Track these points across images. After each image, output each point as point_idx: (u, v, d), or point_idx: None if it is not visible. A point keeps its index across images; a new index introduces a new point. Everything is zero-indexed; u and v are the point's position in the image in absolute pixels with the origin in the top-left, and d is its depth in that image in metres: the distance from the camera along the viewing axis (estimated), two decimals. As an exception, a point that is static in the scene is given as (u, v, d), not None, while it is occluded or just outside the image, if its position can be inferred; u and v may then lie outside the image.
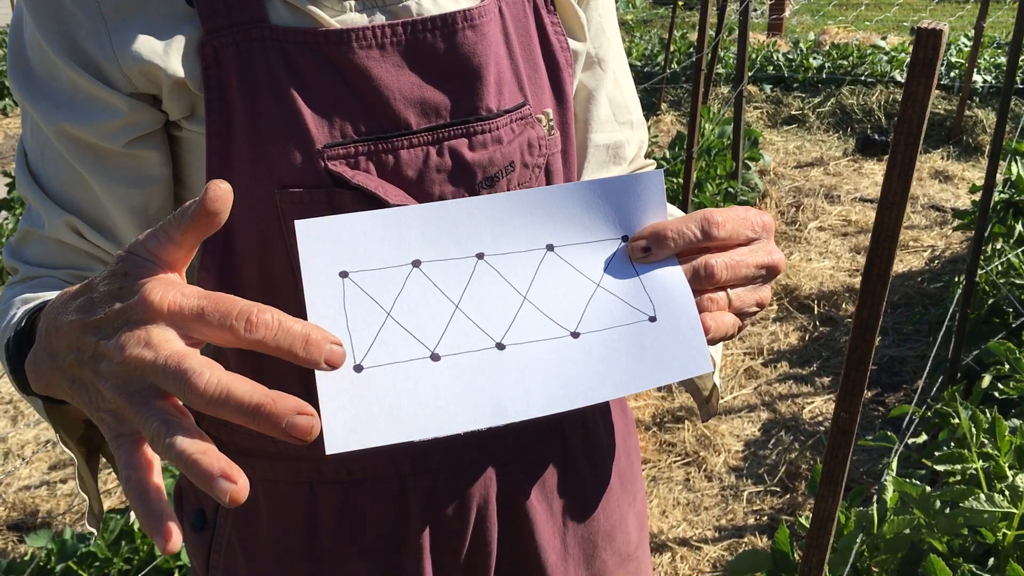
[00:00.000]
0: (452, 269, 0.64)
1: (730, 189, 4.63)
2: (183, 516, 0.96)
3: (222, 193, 0.56)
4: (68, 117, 0.75)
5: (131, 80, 0.74)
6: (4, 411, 3.41)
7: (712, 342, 0.66)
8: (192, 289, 0.55)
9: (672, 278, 0.66)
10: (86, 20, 0.72)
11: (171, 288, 0.55)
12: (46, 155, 0.80)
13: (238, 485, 0.51)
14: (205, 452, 0.52)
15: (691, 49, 7.33)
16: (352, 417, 0.58)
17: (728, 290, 0.68)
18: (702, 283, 0.66)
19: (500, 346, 0.62)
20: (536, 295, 0.64)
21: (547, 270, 0.65)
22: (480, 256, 0.64)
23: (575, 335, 0.64)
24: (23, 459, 3.15)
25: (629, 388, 0.62)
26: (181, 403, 0.55)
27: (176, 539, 0.53)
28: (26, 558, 2.35)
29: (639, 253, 0.66)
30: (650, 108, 6.81)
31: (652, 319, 0.65)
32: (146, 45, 0.73)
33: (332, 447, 0.57)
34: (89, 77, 0.74)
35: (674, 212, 0.95)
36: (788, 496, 2.91)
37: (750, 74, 6.84)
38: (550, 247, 0.66)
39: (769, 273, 0.69)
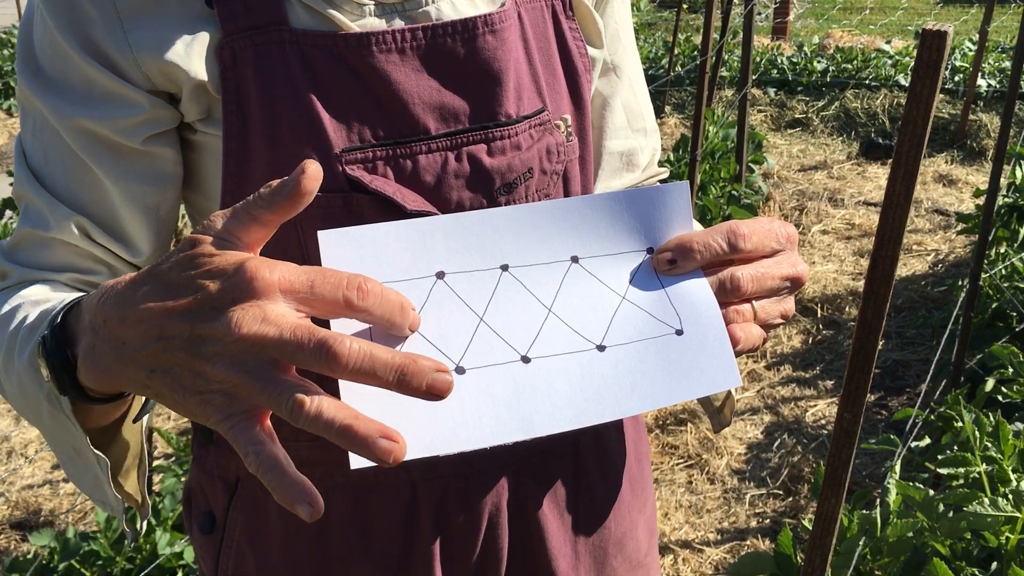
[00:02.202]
0: (476, 281, 0.63)
1: (734, 192, 4.63)
2: (192, 519, 0.95)
3: (316, 172, 0.56)
4: (84, 112, 0.74)
5: (150, 78, 0.74)
6: (7, 410, 3.42)
7: (740, 354, 0.66)
8: (291, 264, 0.55)
9: (698, 291, 0.65)
10: (100, 18, 0.72)
11: (275, 264, 0.54)
12: (51, 155, 0.77)
13: (400, 444, 0.52)
14: (357, 417, 0.52)
15: (695, 52, 7.34)
16: None
17: (753, 302, 0.68)
18: (728, 295, 0.66)
19: (526, 359, 0.61)
20: (561, 307, 0.64)
21: (572, 282, 0.65)
22: (504, 268, 0.64)
23: (601, 348, 0.63)
24: (26, 458, 3.16)
25: (657, 402, 0.62)
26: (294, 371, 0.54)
27: (322, 503, 0.53)
28: (29, 556, 2.35)
29: (665, 265, 0.66)
30: (654, 111, 6.81)
31: (679, 332, 0.64)
32: (166, 45, 0.73)
33: (357, 462, 0.57)
34: (108, 73, 0.73)
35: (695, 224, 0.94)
36: (791, 499, 2.91)
37: (754, 77, 6.84)
38: (575, 259, 0.65)
39: (793, 285, 0.69)
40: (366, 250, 0.61)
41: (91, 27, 0.73)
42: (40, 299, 0.75)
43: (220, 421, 0.54)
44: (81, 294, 0.68)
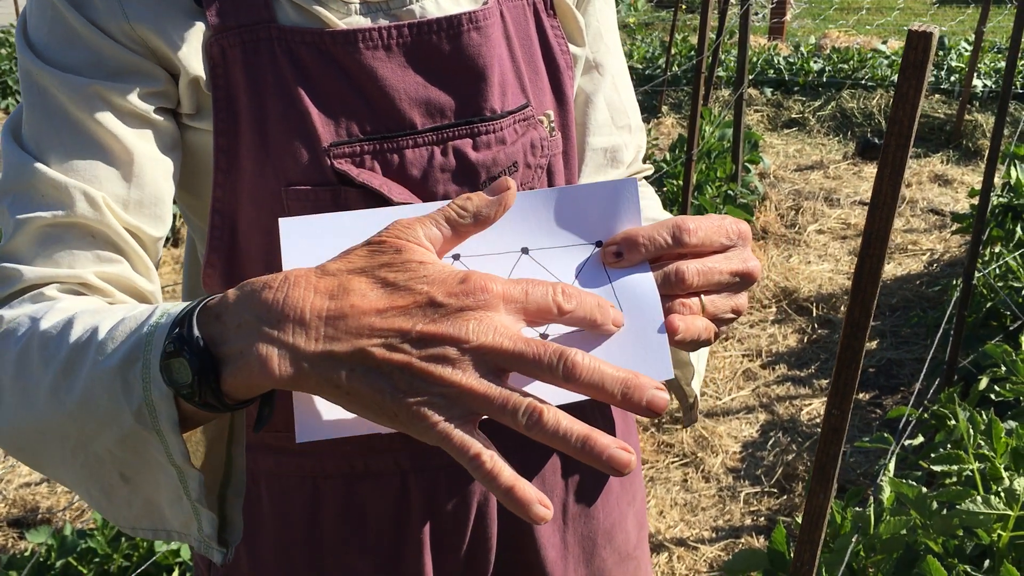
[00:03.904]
0: None
1: (730, 192, 4.64)
2: None
3: (515, 188, 0.61)
4: (98, 82, 0.73)
5: (155, 53, 0.75)
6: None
7: (682, 344, 0.67)
8: (501, 276, 0.58)
9: (642, 284, 0.66)
10: (102, 3, 0.73)
11: (495, 276, 0.57)
12: (58, 137, 0.73)
13: (632, 453, 0.53)
14: (592, 429, 0.53)
15: (692, 52, 7.35)
16: (323, 409, 0.60)
17: (702, 296, 0.68)
18: (673, 288, 0.67)
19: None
20: None
21: (521, 273, 0.66)
22: (456, 257, 0.65)
23: (544, 336, 0.64)
24: (24, 456, 3.17)
25: None
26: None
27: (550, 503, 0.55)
28: (26, 554, 2.36)
29: (611, 258, 0.67)
30: (651, 111, 6.82)
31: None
32: (163, 30, 0.74)
33: (301, 436, 0.59)
34: (118, 45, 0.74)
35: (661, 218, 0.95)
36: (785, 497, 2.92)
37: (751, 77, 6.85)
38: (525, 250, 0.67)
39: (744, 281, 0.69)
40: (325, 239, 0.62)
41: (93, 11, 0.74)
42: (97, 308, 0.68)
43: (438, 424, 0.54)
44: (203, 298, 0.62)
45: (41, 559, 2.22)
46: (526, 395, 0.54)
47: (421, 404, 0.54)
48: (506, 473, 0.54)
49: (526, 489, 0.54)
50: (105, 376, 0.62)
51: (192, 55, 0.75)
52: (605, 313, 0.61)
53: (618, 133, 1.00)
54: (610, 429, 1.01)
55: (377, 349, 0.54)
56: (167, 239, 4.80)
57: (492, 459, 0.54)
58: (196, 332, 0.58)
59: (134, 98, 0.75)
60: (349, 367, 0.55)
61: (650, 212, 0.99)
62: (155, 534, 0.71)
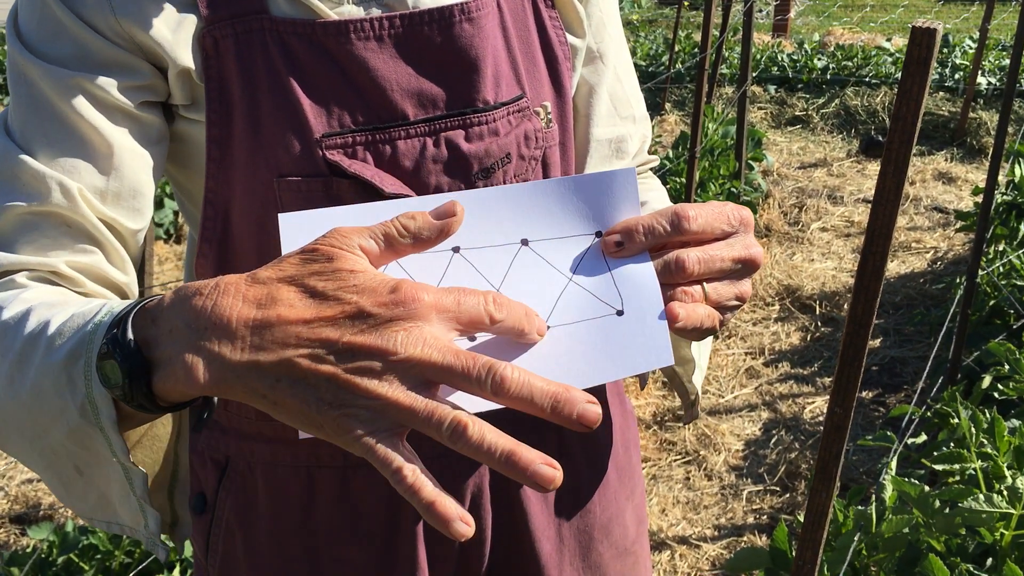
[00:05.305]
0: (428, 262, 0.65)
1: (733, 189, 4.63)
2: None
3: (462, 213, 0.60)
4: (82, 74, 0.74)
5: (141, 48, 0.75)
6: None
7: (684, 332, 0.67)
8: (432, 285, 0.56)
9: (642, 273, 0.67)
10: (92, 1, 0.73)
11: (426, 286, 0.55)
12: (42, 127, 0.74)
13: (558, 470, 0.53)
14: (518, 444, 0.53)
15: (695, 49, 7.34)
16: None
17: (704, 284, 0.68)
18: (673, 276, 0.67)
19: (471, 337, 0.63)
20: (509, 288, 0.65)
21: (521, 264, 0.66)
22: (456, 250, 0.65)
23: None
24: (26, 453, 3.17)
25: (593, 380, 0.63)
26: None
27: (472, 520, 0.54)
28: (28, 550, 2.36)
29: (611, 248, 0.67)
30: (654, 108, 6.81)
31: (619, 313, 0.65)
32: (151, 24, 0.74)
33: (305, 432, 0.59)
34: (104, 40, 0.74)
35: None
36: (788, 495, 2.92)
37: (754, 75, 6.84)
38: (524, 242, 0.67)
39: (746, 267, 0.69)
40: (324, 232, 0.62)
41: (80, 5, 0.74)
42: (54, 301, 0.69)
43: (362, 436, 0.53)
44: (144, 299, 0.62)
45: (43, 555, 2.22)
46: (455, 408, 0.53)
47: (346, 416, 0.53)
48: (427, 488, 0.53)
49: (447, 505, 0.53)
50: (52, 371, 0.63)
51: (181, 47, 0.75)
52: (531, 322, 0.60)
53: (622, 123, 0.99)
54: (607, 423, 1.01)
55: (303, 360, 0.54)
56: (169, 235, 4.80)
57: (414, 473, 0.53)
58: (130, 335, 0.58)
59: (116, 92, 0.75)
60: (275, 377, 0.54)
61: (656, 204, 0.99)
62: (109, 527, 0.72)
